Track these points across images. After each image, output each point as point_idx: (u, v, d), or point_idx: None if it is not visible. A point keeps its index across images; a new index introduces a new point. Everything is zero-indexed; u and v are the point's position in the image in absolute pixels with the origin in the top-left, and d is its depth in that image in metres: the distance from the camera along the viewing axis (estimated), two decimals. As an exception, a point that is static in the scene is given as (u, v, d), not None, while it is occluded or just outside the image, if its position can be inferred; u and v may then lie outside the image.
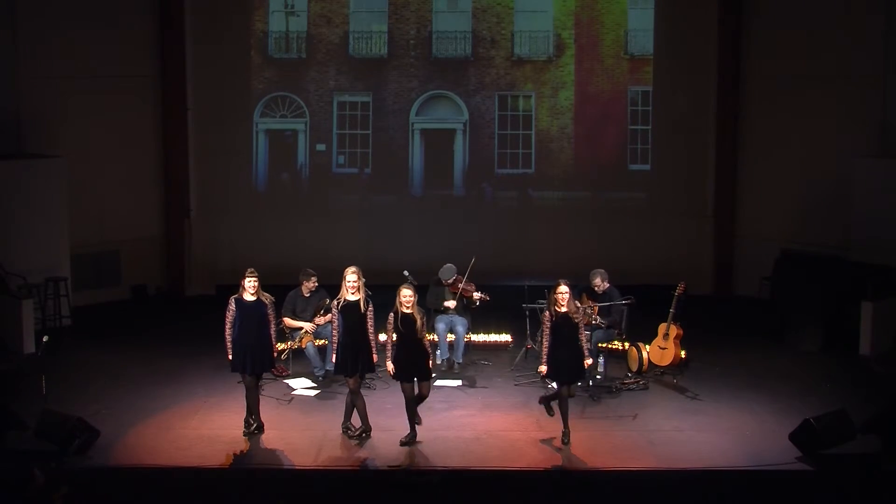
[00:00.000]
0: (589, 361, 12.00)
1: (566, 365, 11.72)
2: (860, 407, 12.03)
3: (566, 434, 11.72)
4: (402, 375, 11.75)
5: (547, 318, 11.73)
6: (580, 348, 11.76)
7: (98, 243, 17.60)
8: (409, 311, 11.65)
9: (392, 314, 11.72)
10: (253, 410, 11.98)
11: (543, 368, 11.84)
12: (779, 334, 15.49)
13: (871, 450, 11.34)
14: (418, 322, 11.65)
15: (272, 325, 12.03)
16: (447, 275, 14.17)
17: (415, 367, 11.72)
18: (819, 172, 17.33)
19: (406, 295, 11.68)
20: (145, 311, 17.51)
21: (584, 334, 11.95)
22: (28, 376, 13.15)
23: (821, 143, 17.36)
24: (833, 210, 16.99)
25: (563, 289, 11.69)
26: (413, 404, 11.79)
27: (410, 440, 11.69)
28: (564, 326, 11.68)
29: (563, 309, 11.67)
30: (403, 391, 11.79)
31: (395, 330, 11.70)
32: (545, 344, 11.79)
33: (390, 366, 11.81)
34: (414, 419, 11.79)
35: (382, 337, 14.59)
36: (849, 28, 16.97)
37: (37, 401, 11.80)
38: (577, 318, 11.75)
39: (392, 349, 11.82)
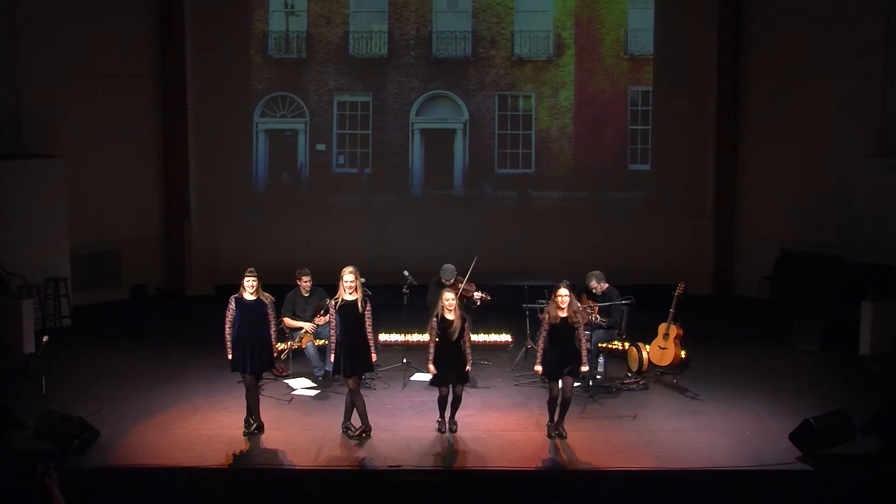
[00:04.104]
0: (585, 368, 11.93)
1: (558, 363, 11.73)
2: (860, 407, 12.02)
3: (552, 427, 11.82)
4: (439, 380, 11.88)
5: (546, 320, 11.72)
6: (577, 351, 11.75)
7: (98, 243, 17.60)
8: (450, 314, 11.73)
9: (434, 318, 11.82)
10: (253, 410, 11.98)
11: (539, 368, 11.84)
12: (779, 334, 15.49)
13: (871, 450, 11.35)
14: (458, 325, 11.72)
15: (272, 325, 12.04)
16: (447, 274, 14.18)
17: (452, 371, 11.83)
18: (819, 172, 17.33)
19: (448, 298, 11.76)
20: (145, 311, 17.51)
21: (585, 337, 11.92)
22: (28, 376, 13.16)
23: (821, 142, 17.36)
24: (833, 210, 16.99)
25: (564, 291, 11.67)
26: (445, 403, 11.96)
27: (452, 428, 11.96)
28: (562, 329, 11.65)
29: (563, 313, 11.63)
30: (439, 391, 11.96)
31: (438, 333, 11.79)
32: (540, 345, 11.81)
33: (432, 368, 11.89)
34: (445, 413, 11.98)
35: (382, 336, 14.64)
36: (849, 28, 16.96)
37: (37, 401, 11.81)
38: (576, 322, 11.71)
39: (433, 352, 11.87)
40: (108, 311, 17.34)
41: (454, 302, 11.80)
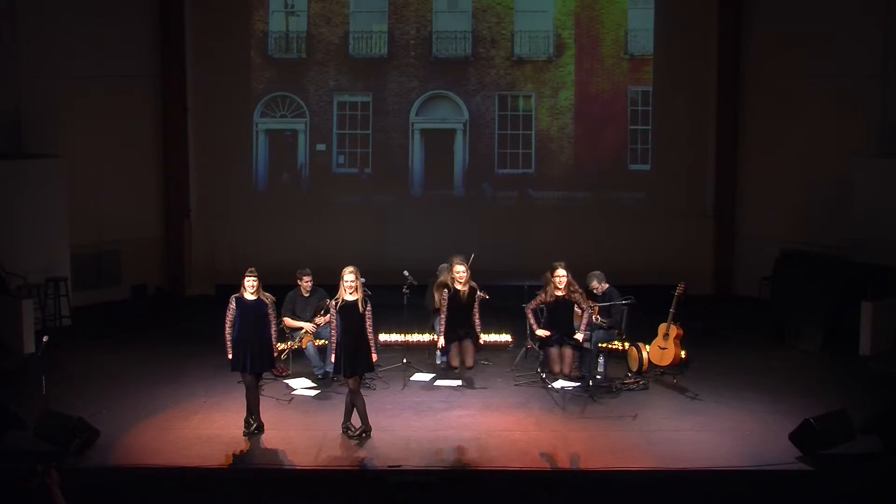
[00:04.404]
0: (579, 336, 11.95)
1: (553, 329, 11.97)
2: (860, 407, 12.02)
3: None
4: (448, 341, 12.33)
5: (540, 300, 11.82)
6: (572, 325, 11.88)
7: (98, 243, 17.61)
8: (461, 286, 12.09)
9: (445, 290, 12.18)
10: (253, 410, 11.97)
11: (543, 332, 11.90)
12: (779, 334, 15.49)
13: (871, 450, 11.35)
14: (468, 296, 12.08)
15: (272, 325, 12.03)
16: (445, 273, 14.16)
17: (462, 334, 12.21)
18: (819, 172, 17.34)
19: (459, 271, 12.09)
20: (145, 311, 17.51)
21: (587, 313, 12.05)
22: (28, 376, 13.16)
23: (821, 143, 17.37)
24: (833, 210, 17.00)
25: (561, 272, 11.79)
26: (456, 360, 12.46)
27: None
28: (559, 306, 11.75)
29: (561, 293, 11.75)
30: (448, 360, 12.32)
31: (448, 305, 12.17)
32: (531, 318, 12.02)
33: (441, 341, 12.34)
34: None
35: (382, 336, 14.63)
36: (849, 28, 16.97)
37: (37, 401, 11.81)
38: (575, 297, 11.83)
39: (443, 323, 12.24)
40: (108, 311, 17.34)
41: (465, 274, 11.94)
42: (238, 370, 11.99)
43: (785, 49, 17.67)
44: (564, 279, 11.79)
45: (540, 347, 12.45)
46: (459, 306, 12.06)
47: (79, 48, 17.22)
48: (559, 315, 11.81)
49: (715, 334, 15.81)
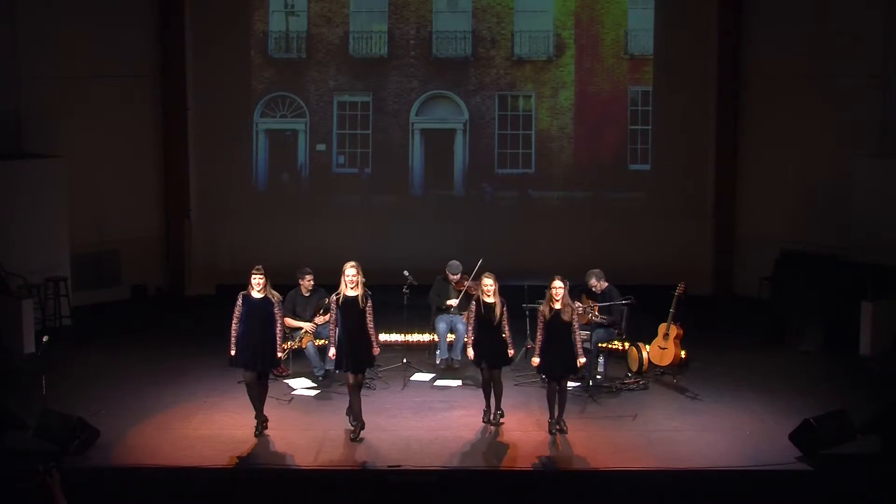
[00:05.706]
0: (582, 360, 12.01)
1: (556, 360, 11.83)
2: (860, 407, 12.03)
3: (553, 424, 11.88)
4: (479, 361, 12.13)
5: (540, 314, 11.83)
6: (573, 345, 11.82)
7: (98, 243, 17.60)
8: (490, 299, 11.99)
9: (474, 302, 12.12)
10: (255, 407, 11.95)
11: (536, 360, 11.93)
12: (779, 334, 15.49)
13: (871, 450, 11.35)
14: (498, 309, 11.99)
15: (278, 324, 11.99)
16: (454, 270, 14.19)
17: (491, 352, 12.04)
18: (819, 172, 17.33)
19: (487, 284, 12.00)
20: (145, 311, 17.50)
21: (579, 333, 12.01)
22: (28, 376, 13.16)
23: (821, 143, 17.36)
24: (833, 210, 16.99)
25: (558, 284, 11.80)
26: (489, 388, 12.18)
27: (494, 420, 12.17)
28: (557, 325, 11.73)
29: (558, 305, 11.74)
30: (482, 374, 12.20)
31: (476, 317, 12.03)
32: (538, 339, 11.91)
33: (470, 352, 12.18)
34: (490, 401, 12.20)
35: (382, 337, 14.62)
36: (849, 28, 16.97)
37: (37, 401, 11.80)
38: (568, 315, 11.78)
39: (472, 335, 12.13)
40: (108, 311, 17.33)
41: (493, 287, 11.96)
42: (238, 367, 11.97)
43: (785, 49, 17.66)
44: (561, 291, 11.76)
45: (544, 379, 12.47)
46: (488, 322, 11.96)
47: (79, 48, 17.21)
48: (557, 332, 11.74)
49: (715, 334, 15.80)
